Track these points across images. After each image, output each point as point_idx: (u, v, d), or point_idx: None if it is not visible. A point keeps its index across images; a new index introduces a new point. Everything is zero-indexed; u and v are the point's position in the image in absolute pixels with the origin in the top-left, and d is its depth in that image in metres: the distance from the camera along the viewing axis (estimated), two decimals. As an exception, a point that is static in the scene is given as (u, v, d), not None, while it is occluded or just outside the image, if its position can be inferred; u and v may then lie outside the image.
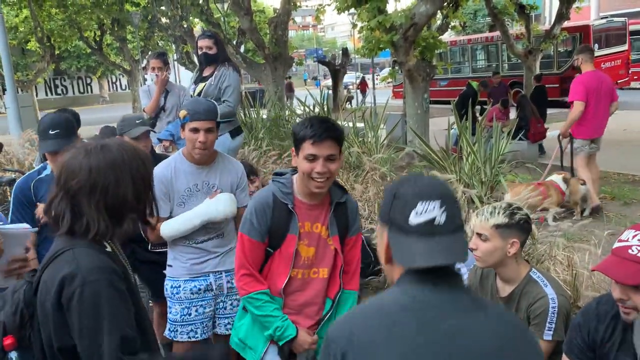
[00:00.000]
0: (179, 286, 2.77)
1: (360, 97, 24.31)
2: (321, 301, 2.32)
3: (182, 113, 2.65)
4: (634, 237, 1.59)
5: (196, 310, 2.77)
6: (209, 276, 2.75)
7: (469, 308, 1.16)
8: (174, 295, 2.77)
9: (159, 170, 2.69)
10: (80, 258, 1.47)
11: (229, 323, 2.79)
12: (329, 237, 2.27)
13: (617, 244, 1.64)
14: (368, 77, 23.96)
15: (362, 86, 25.14)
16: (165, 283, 2.80)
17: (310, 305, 2.32)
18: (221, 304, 2.81)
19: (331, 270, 2.31)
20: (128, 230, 1.58)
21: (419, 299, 1.14)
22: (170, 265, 2.79)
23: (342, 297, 2.35)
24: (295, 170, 2.25)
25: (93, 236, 1.52)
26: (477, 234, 2.17)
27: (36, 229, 2.79)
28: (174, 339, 2.78)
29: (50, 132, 2.81)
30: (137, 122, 3.31)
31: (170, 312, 2.80)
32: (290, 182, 2.25)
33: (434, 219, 1.15)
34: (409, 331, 1.10)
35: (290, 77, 24.15)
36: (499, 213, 2.14)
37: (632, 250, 1.56)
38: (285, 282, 2.25)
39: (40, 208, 2.71)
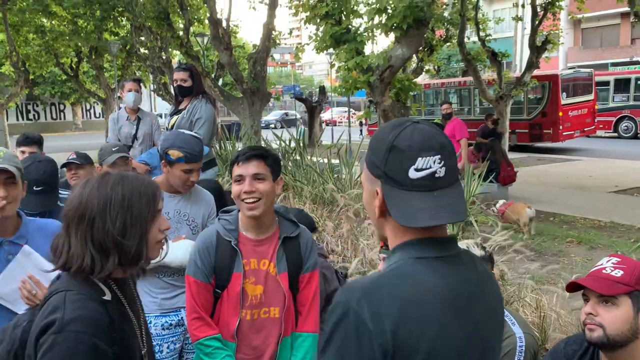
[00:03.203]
0: (150, 322, 2.69)
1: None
2: (275, 342, 2.18)
3: (176, 154, 2.61)
4: (607, 261, 1.78)
5: (167, 347, 2.70)
6: (180, 311, 2.69)
7: (473, 274, 1.17)
8: None
9: None
10: (67, 304, 1.37)
11: (197, 358, 2.74)
12: (278, 275, 2.15)
13: (593, 268, 1.80)
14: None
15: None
16: None
17: (264, 348, 2.18)
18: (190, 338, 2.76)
19: (284, 309, 2.18)
20: (112, 268, 1.45)
21: (441, 271, 1.10)
22: None
23: (296, 340, 2.21)
24: None
25: (80, 271, 1.43)
26: None
27: None
28: None
29: (35, 188, 2.64)
30: (113, 149, 3.38)
31: None
32: (235, 218, 2.19)
33: (434, 173, 1.09)
34: (446, 303, 1.08)
35: (323, 110, 24.76)
36: (474, 247, 2.21)
37: (606, 270, 1.73)
38: (237, 324, 2.14)
39: None
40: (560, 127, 16.86)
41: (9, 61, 18.75)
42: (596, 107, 18.73)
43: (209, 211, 2.81)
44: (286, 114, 36.31)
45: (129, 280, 1.63)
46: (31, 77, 21.72)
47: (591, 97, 18.22)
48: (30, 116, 38.20)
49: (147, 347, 1.63)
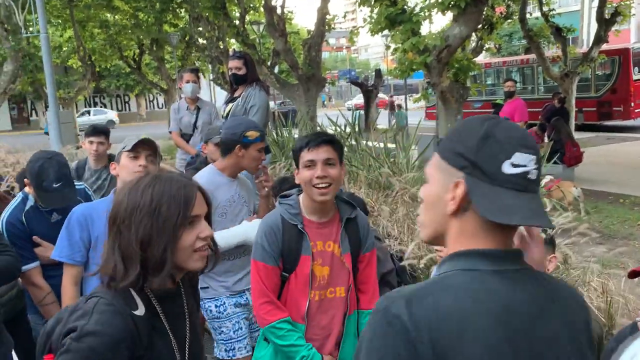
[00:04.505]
0: (224, 303, 2.78)
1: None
2: (341, 321, 2.27)
3: (255, 134, 2.73)
4: None
5: (244, 323, 2.81)
6: (245, 293, 2.79)
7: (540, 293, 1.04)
8: (223, 313, 2.77)
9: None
10: (94, 314, 1.32)
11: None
12: (342, 255, 2.22)
13: None
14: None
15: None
16: (206, 307, 2.77)
17: (331, 327, 2.26)
18: (253, 318, 2.81)
19: (348, 288, 2.26)
20: (134, 278, 1.33)
21: (493, 286, 1.00)
22: (206, 287, 2.76)
23: (365, 318, 2.26)
24: (301, 190, 2.24)
25: (110, 280, 1.36)
26: None
27: (37, 262, 2.68)
28: (233, 358, 2.76)
29: (55, 185, 2.68)
30: (220, 130, 3.45)
31: (221, 332, 2.79)
32: (297, 202, 2.23)
33: (528, 173, 1.01)
34: (496, 322, 0.98)
35: (392, 95, 24.71)
36: None
37: None
38: (307, 305, 2.20)
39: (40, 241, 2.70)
40: (632, 104, 16.00)
41: (76, 56, 19.66)
42: (672, 81, 17.59)
43: (253, 191, 2.99)
44: (283, 103, 29.47)
45: (177, 292, 1.51)
46: (97, 70, 22.67)
47: (666, 71, 17.13)
48: (98, 108, 39.93)
49: None
